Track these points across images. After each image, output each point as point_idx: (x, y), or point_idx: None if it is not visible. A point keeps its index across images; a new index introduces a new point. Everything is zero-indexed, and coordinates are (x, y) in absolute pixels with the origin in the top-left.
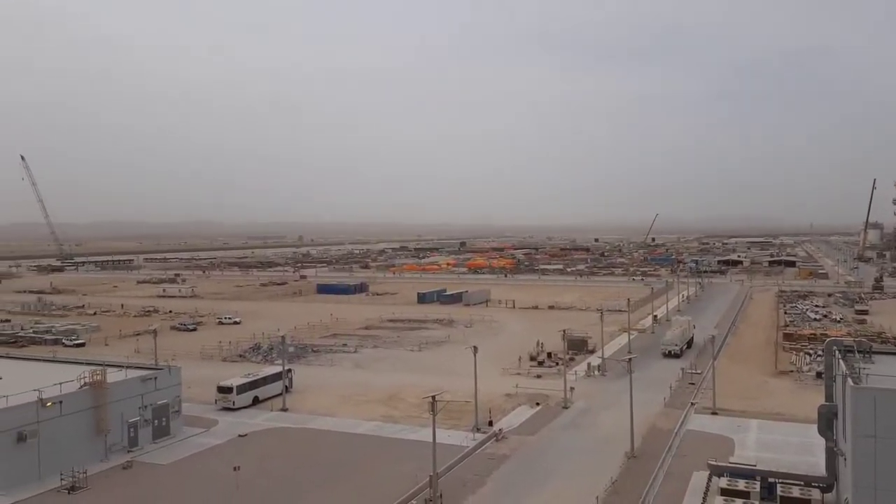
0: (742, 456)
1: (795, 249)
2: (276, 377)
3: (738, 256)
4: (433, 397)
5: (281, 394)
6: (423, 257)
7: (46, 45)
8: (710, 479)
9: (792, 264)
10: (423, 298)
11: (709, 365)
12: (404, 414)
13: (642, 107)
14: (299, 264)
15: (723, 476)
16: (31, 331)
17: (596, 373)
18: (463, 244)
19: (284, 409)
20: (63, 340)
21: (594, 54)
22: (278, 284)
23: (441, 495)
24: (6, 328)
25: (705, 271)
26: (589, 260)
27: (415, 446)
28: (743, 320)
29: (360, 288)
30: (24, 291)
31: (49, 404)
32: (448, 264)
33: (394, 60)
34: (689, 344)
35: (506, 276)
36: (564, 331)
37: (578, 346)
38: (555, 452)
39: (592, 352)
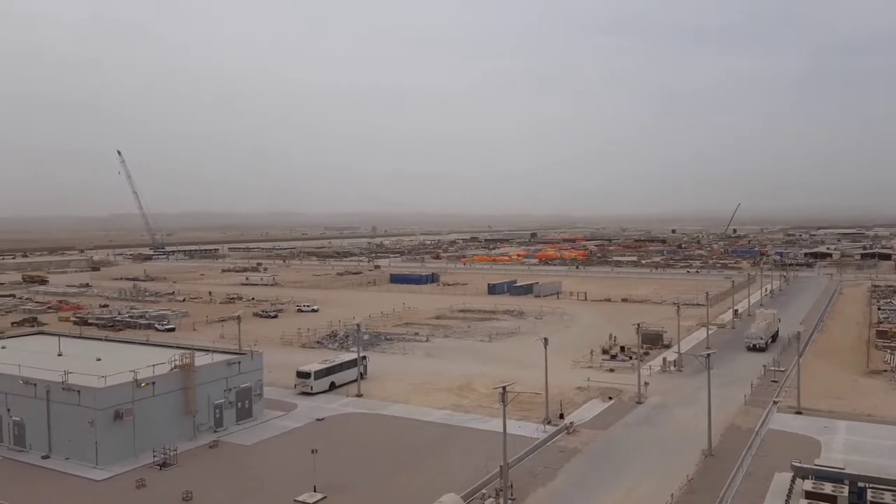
0: (829, 458)
1: (892, 241)
2: (352, 364)
3: (827, 249)
4: (503, 388)
5: (356, 380)
6: (494, 248)
7: (141, 44)
8: (793, 481)
9: (887, 257)
10: (493, 289)
11: (794, 362)
12: (474, 403)
13: (721, 91)
14: (373, 254)
15: (808, 478)
16: (127, 316)
17: (672, 368)
18: (534, 235)
19: (359, 396)
20: (155, 325)
21: (664, 38)
22: (353, 274)
23: (512, 486)
24: (105, 313)
25: (791, 264)
26: (665, 252)
27: (485, 436)
28: (831, 316)
29: (432, 278)
30: (121, 278)
31: (143, 385)
32: (518, 255)
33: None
34: (775, 338)
35: (577, 267)
36: (639, 324)
37: (653, 341)
38: (628, 448)
39: (668, 346)
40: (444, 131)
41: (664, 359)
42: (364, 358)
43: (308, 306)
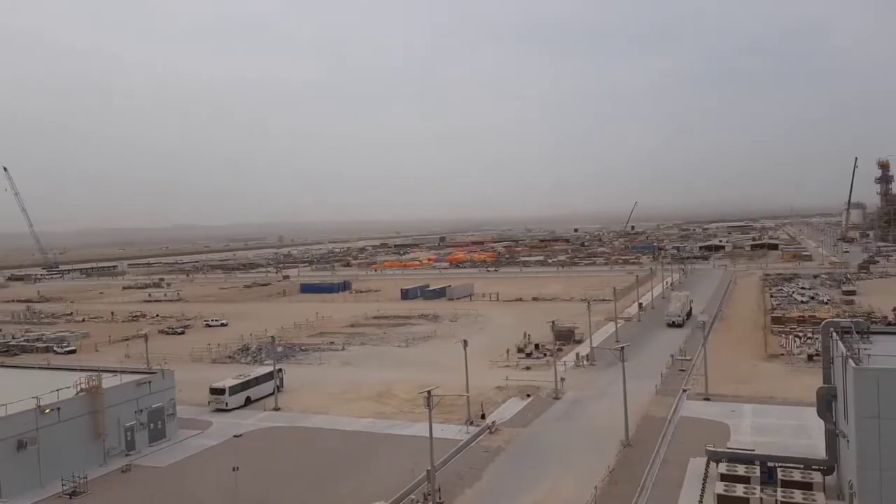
0: (738, 441)
1: (777, 232)
2: (268, 377)
3: (720, 241)
4: (428, 392)
5: (273, 393)
6: (404, 254)
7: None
8: (707, 465)
9: (775, 247)
10: (406, 295)
11: (698, 350)
12: (396, 410)
13: (619, 97)
14: (281, 265)
15: (721, 462)
16: (21, 339)
17: (585, 363)
18: (442, 239)
19: (277, 409)
20: (54, 348)
21: (570, 46)
22: (262, 285)
23: (440, 489)
24: None
25: (688, 257)
26: (569, 250)
27: (409, 441)
28: (729, 305)
29: (344, 286)
30: (12, 301)
31: (47, 411)
32: (429, 260)
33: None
34: (689, 315)
35: (490, 269)
36: (553, 321)
37: (566, 337)
38: (549, 443)
39: (580, 342)
40: (343, 137)
41: (577, 354)
42: (280, 370)
43: (216, 321)
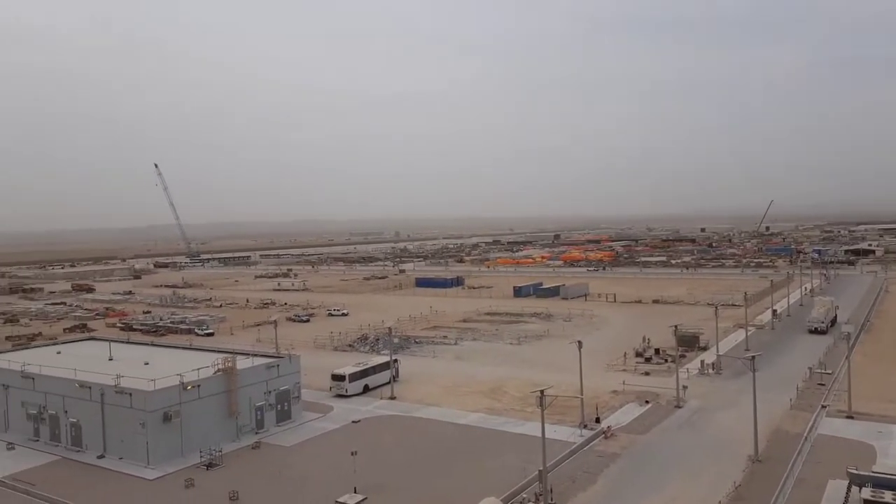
0: (886, 465)
1: None
2: (385, 367)
3: (869, 245)
4: (541, 391)
5: (389, 383)
6: (517, 251)
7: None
8: (849, 489)
9: None
10: (519, 292)
11: (841, 364)
12: (507, 407)
13: (750, 88)
14: (398, 259)
15: (865, 486)
16: (168, 321)
17: (710, 371)
18: (557, 237)
19: (392, 398)
20: (195, 330)
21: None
22: (380, 278)
23: (552, 490)
24: (148, 319)
25: (831, 262)
26: (695, 251)
27: (520, 439)
28: (879, 315)
29: (457, 281)
30: (161, 286)
31: (189, 388)
32: (542, 258)
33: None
34: (833, 322)
35: (604, 268)
36: (676, 326)
37: (690, 343)
38: (669, 453)
39: (705, 349)
40: (454, 136)
41: (702, 361)
42: (395, 361)
43: (338, 310)
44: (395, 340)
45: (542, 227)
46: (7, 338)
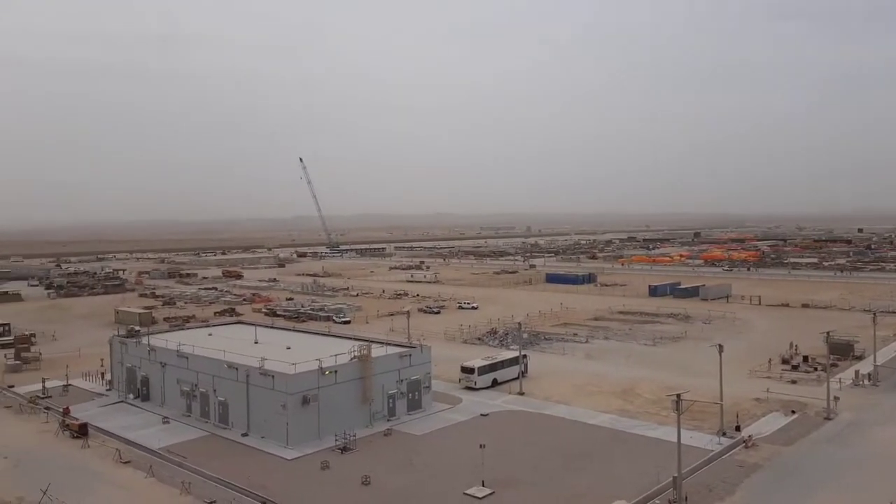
0: None
1: None
2: (514, 362)
3: None
4: (678, 395)
5: (517, 378)
6: (653, 248)
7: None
8: None
9: None
10: (655, 291)
11: None
12: (641, 409)
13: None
14: (528, 254)
15: None
16: (309, 308)
17: (866, 382)
18: (697, 234)
19: (521, 394)
20: (333, 318)
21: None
22: (510, 273)
23: (686, 499)
24: (290, 305)
25: None
26: (851, 253)
27: (653, 444)
28: None
29: (588, 278)
30: (303, 274)
31: (327, 373)
32: (681, 256)
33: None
34: None
35: (749, 269)
36: (828, 333)
37: (843, 351)
38: (817, 467)
39: (860, 358)
40: (593, 129)
41: (856, 371)
42: (525, 356)
43: (468, 304)
44: (525, 336)
45: (680, 225)
46: (165, 319)
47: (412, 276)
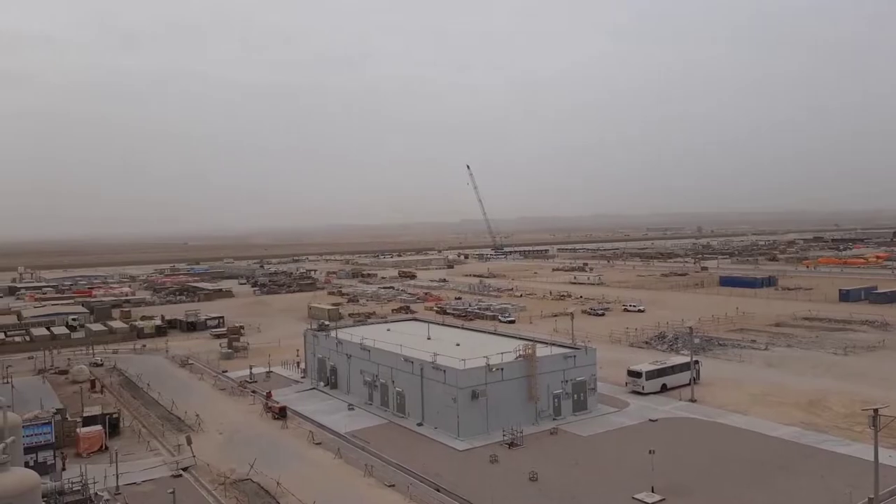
0: None
1: None
2: (684, 367)
3: None
4: (875, 410)
5: (688, 384)
6: (845, 249)
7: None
8: None
9: None
10: (846, 296)
11: None
12: (830, 423)
13: None
14: (699, 255)
15: None
16: (476, 307)
17: None
18: None
19: (693, 401)
20: (499, 317)
21: None
22: (679, 275)
23: None
24: (459, 304)
25: None
26: None
27: (844, 461)
28: None
29: (768, 282)
30: (469, 275)
31: (494, 369)
32: (878, 258)
33: None
34: None
35: None
36: None
37: None
38: None
39: None
40: (783, 113)
41: None
42: (696, 362)
43: (634, 306)
44: (696, 340)
45: (878, 223)
46: (350, 314)
47: (575, 277)
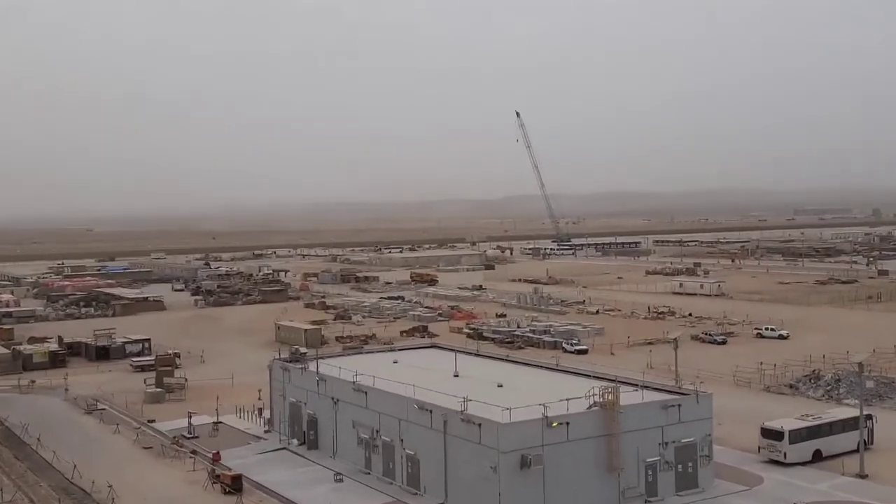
0: None
1: None
2: (850, 425)
3: None
4: None
5: (857, 451)
6: None
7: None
8: None
9: None
10: None
11: None
12: None
13: None
14: (876, 253)
15: None
16: (528, 329)
17: None
18: None
19: (863, 476)
20: (563, 344)
21: None
22: (843, 283)
23: None
24: (502, 325)
25: None
26: None
27: None
28: None
29: None
30: (518, 280)
31: (555, 424)
32: None
33: None
34: None
35: None
36: None
37: None
38: None
39: None
40: None
41: None
42: (869, 417)
43: (772, 329)
44: (869, 384)
45: None
46: (338, 338)
47: (681, 284)
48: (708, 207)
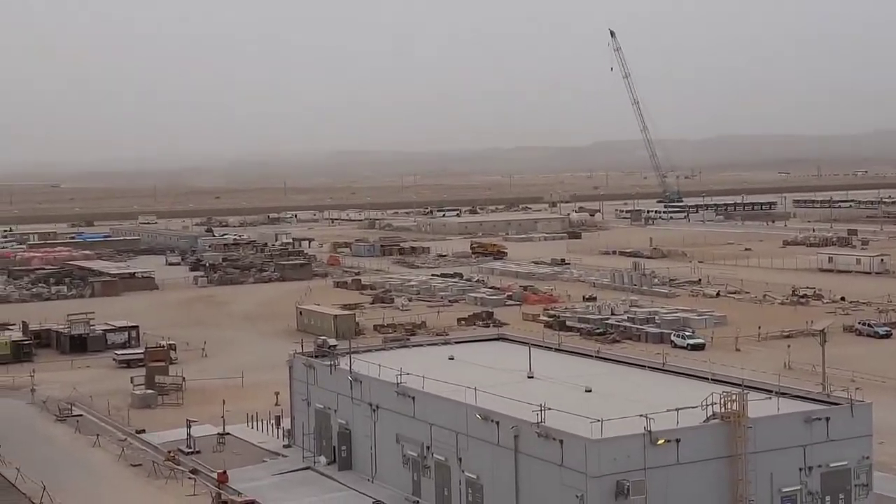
0: None
1: None
2: None
3: None
4: None
5: None
6: None
7: None
8: None
9: None
10: None
11: None
12: None
13: None
14: None
15: None
16: (625, 317)
17: None
18: None
19: None
20: (673, 337)
21: None
22: None
23: None
24: (591, 311)
25: None
26: None
27: None
28: None
29: None
30: (614, 252)
31: (661, 441)
32: None
33: None
34: None
35: None
36: None
37: None
38: None
39: None
40: None
41: None
42: None
43: None
44: None
45: None
46: (376, 327)
47: (830, 259)
48: (867, 156)
